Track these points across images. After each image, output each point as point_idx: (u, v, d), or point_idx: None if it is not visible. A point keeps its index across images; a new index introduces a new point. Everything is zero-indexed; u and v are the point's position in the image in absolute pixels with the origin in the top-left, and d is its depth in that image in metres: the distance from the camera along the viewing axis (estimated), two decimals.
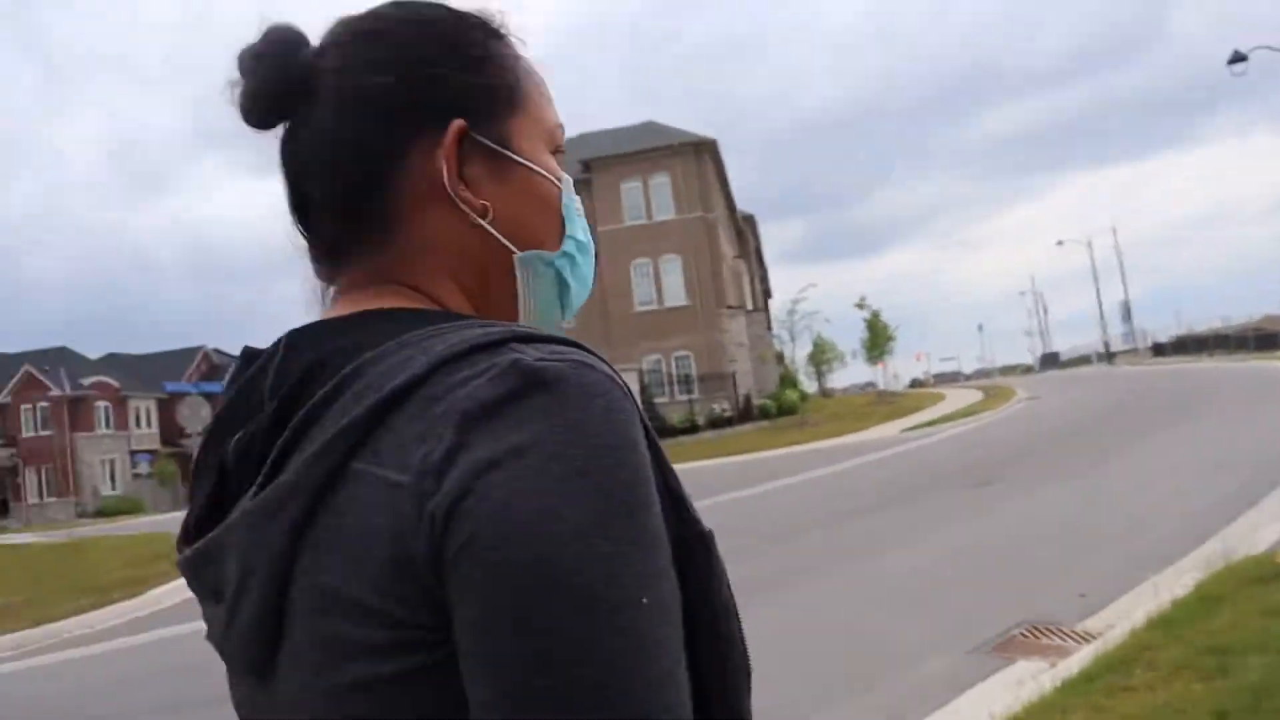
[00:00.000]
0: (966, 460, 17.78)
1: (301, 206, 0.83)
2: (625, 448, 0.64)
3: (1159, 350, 71.02)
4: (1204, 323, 70.34)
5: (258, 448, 0.72)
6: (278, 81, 0.79)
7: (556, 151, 0.86)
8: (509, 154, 0.81)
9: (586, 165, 44.65)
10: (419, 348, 0.68)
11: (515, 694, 0.59)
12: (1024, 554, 8.74)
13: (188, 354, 76.63)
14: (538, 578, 0.59)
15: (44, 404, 62.93)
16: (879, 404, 44.52)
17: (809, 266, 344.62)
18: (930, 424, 28.97)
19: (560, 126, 0.87)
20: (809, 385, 76.28)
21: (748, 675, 0.72)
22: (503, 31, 0.85)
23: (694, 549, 0.69)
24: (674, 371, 42.15)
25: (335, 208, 0.80)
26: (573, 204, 0.85)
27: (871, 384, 70.20)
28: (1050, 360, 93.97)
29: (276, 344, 0.77)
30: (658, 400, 39.39)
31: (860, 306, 65.55)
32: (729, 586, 0.71)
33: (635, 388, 35.70)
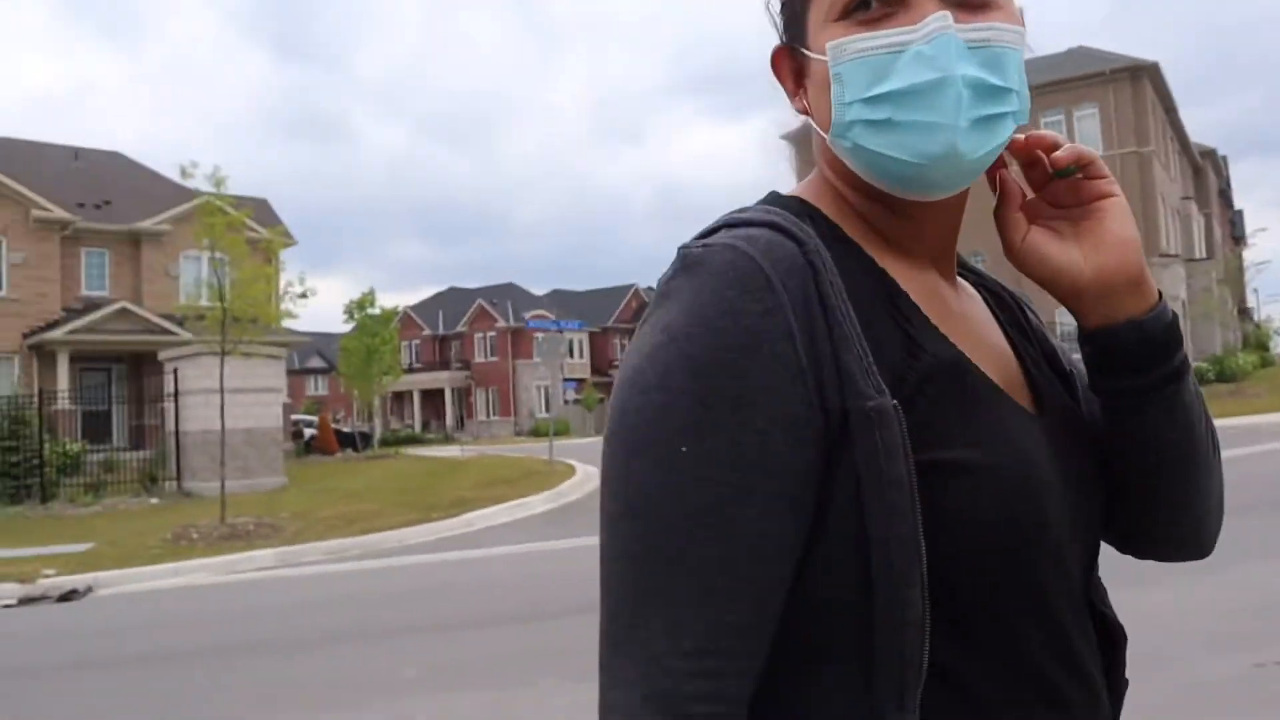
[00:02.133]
0: None
1: None
2: (721, 320, 0.73)
3: None
4: None
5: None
6: None
7: (847, 10, 0.82)
8: (801, 50, 0.87)
9: None
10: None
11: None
12: None
13: (620, 291, 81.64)
14: (612, 418, 0.77)
15: (492, 334, 70.06)
16: None
17: None
18: None
19: None
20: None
21: (918, 554, 0.72)
22: None
23: (857, 422, 0.73)
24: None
25: None
26: (846, 66, 0.81)
27: None
28: None
29: None
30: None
31: None
32: (905, 462, 0.72)
33: None
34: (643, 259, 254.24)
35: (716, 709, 0.71)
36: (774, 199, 0.89)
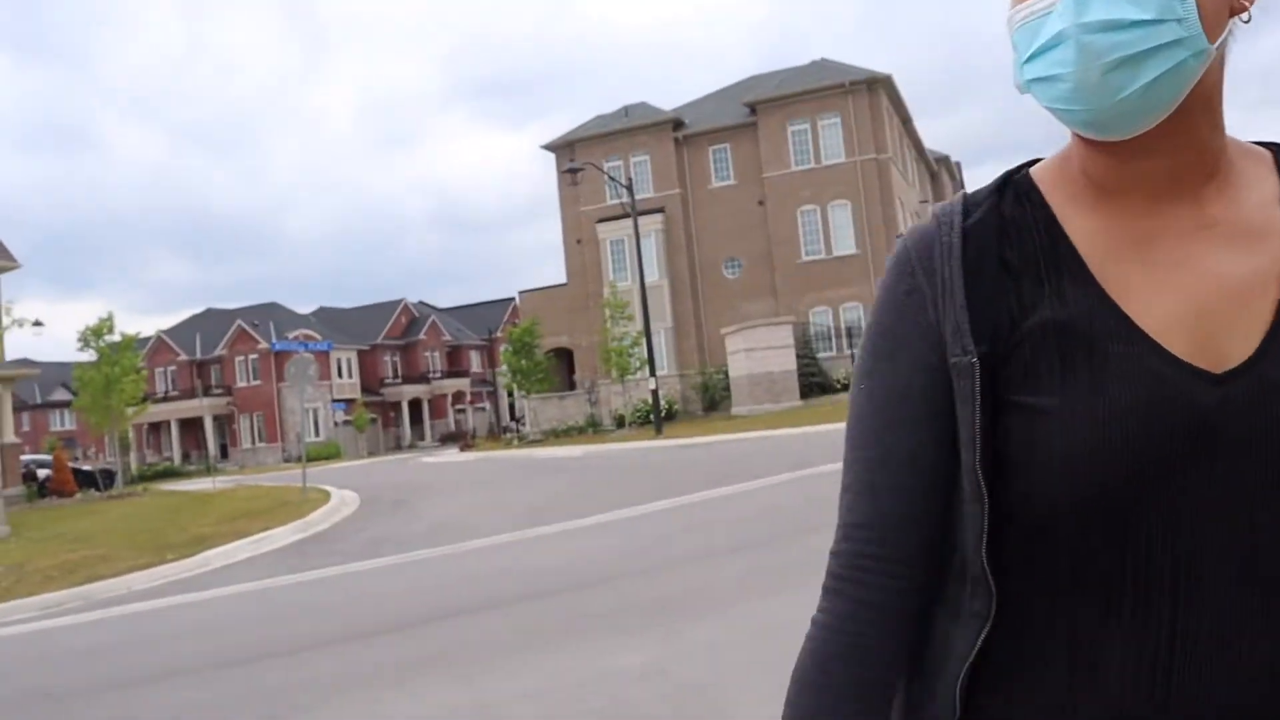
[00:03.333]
0: None
1: None
2: (883, 295, 0.99)
3: None
4: None
5: None
6: None
7: None
8: None
9: (752, 108, 42.52)
10: None
11: None
12: None
13: (389, 307, 79.65)
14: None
15: (254, 357, 66.73)
16: None
17: None
18: None
19: None
20: None
21: (977, 480, 0.90)
22: None
23: (955, 374, 0.91)
24: (843, 324, 39.69)
25: None
26: (1014, 33, 0.88)
27: None
28: None
29: None
30: (822, 355, 37.16)
31: None
32: (973, 404, 0.89)
33: (792, 342, 34.11)
34: (416, 272, 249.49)
35: (847, 565, 0.97)
36: (1030, 162, 1.02)
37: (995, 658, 0.91)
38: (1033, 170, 0.99)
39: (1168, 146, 0.88)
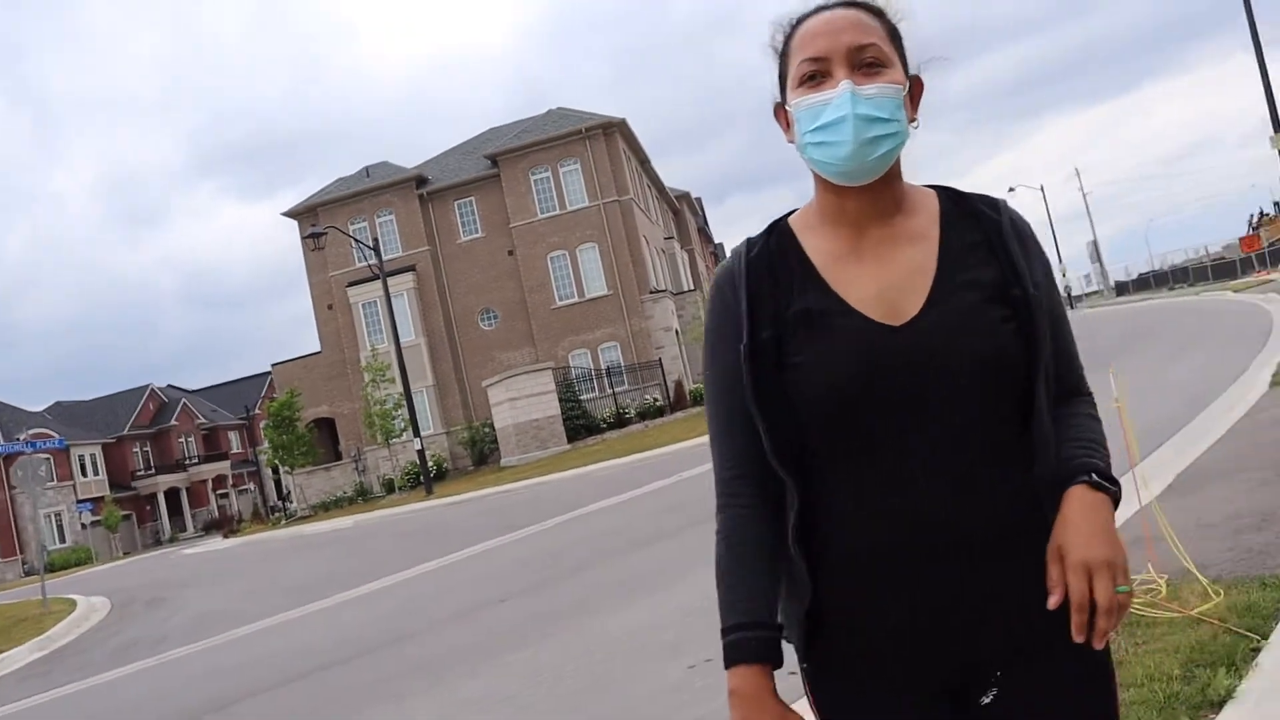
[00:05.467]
0: None
1: None
2: (712, 301, 1.57)
3: (1121, 289, 70.27)
4: (1179, 256, 68.95)
5: None
6: None
7: (803, 80, 1.49)
8: (785, 106, 1.53)
9: (493, 160, 42.92)
10: None
11: None
12: None
13: (134, 394, 74.63)
14: None
15: None
16: None
17: None
18: None
19: (804, 60, 1.48)
20: None
21: (763, 415, 1.48)
22: (794, 23, 1.54)
23: (744, 353, 1.49)
24: (602, 364, 40.44)
25: None
26: (798, 113, 1.48)
27: None
28: None
29: None
30: (585, 397, 37.66)
31: None
32: (754, 367, 1.48)
33: (554, 387, 34.41)
34: (167, 355, 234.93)
35: (725, 488, 1.55)
36: (789, 213, 1.62)
37: (813, 507, 1.47)
38: (790, 218, 1.59)
39: (875, 189, 1.48)
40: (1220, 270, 50.62)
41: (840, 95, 1.42)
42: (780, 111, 1.54)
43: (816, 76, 1.45)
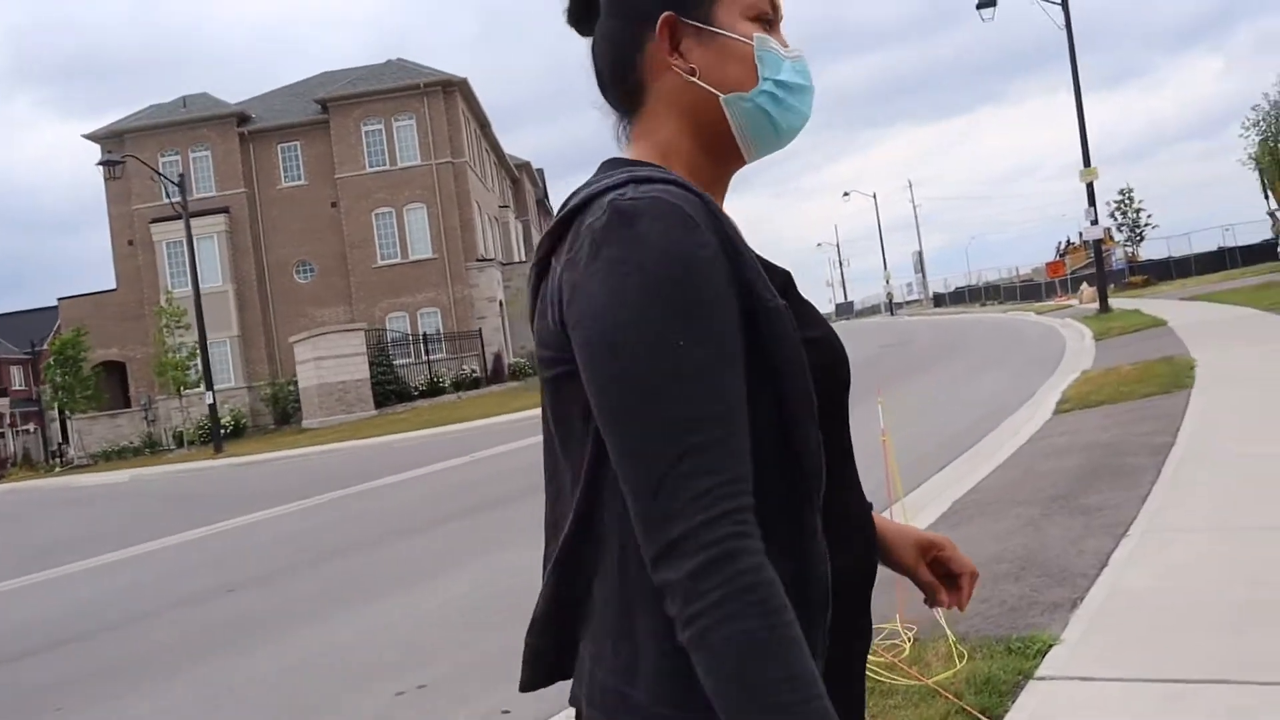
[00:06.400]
0: None
1: (597, 84, 1.23)
2: (677, 251, 0.98)
3: (938, 301, 74.10)
4: (995, 274, 72.68)
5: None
6: (576, 4, 1.23)
7: (759, 17, 1.17)
8: (706, 27, 1.15)
9: (323, 105, 40.80)
10: (595, 185, 1.06)
11: (600, 414, 0.99)
12: None
13: None
14: (601, 345, 0.98)
15: None
16: None
17: None
18: None
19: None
20: None
21: (811, 400, 1.05)
22: None
23: (763, 316, 1.02)
24: (420, 330, 39.07)
25: (608, 84, 1.21)
26: (768, 54, 1.16)
27: None
28: (844, 310, 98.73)
29: None
30: (399, 363, 36.28)
31: None
32: (796, 348, 1.04)
33: (364, 350, 32.99)
34: None
35: (744, 519, 0.98)
36: (624, 163, 1.13)
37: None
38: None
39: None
40: (1027, 291, 53.45)
41: (805, 58, 1.21)
42: (673, 27, 1.15)
43: (768, 25, 1.18)
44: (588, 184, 1.08)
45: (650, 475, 0.95)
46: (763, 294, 1.02)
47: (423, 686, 5.08)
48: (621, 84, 1.18)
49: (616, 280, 0.97)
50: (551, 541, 1.13)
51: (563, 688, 1.17)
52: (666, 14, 1.13)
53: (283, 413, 37.40)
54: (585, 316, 0.98)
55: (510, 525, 9.44)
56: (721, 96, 1.14)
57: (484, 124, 47.39)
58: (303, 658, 6.06)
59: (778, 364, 1.02)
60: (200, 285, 31.62)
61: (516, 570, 7.49)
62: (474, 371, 36.99)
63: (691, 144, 1.16)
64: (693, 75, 1.14)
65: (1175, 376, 10.86)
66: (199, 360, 31.76)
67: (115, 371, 42.04)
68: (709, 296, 0.98)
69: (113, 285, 42.24)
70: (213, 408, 30.23)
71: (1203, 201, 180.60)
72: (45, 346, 65.13)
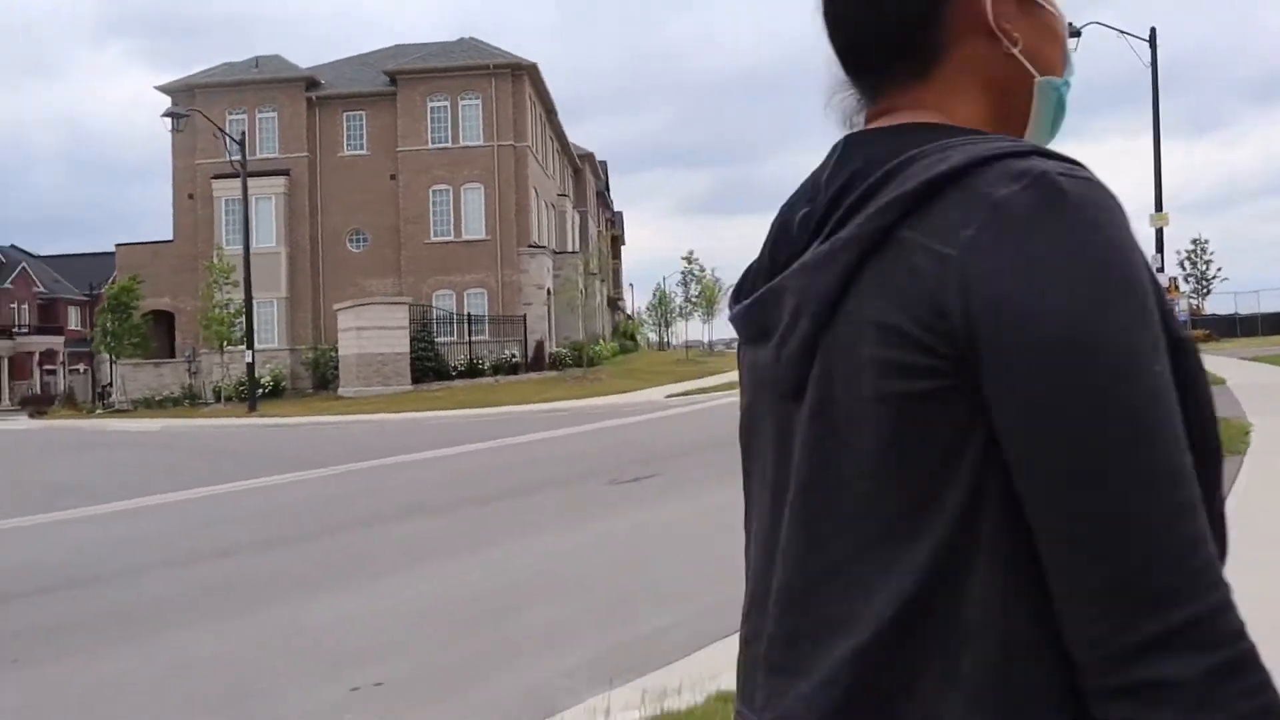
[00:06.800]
0: (686, 439, 15.61)
1: (842, 41, 0.95)
2: (1131, 249, 0.76)
3: None
4: None
5: (815, 222, 0.87)
6: None
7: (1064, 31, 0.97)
8: (1046, 4, 0.94)
9: (392, 78, 40.85)
10: (957, 148, 0.81)
11: (1047, 446, 0.73)
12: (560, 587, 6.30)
13: None
14: (1068, 355, 0.72)
15: None
16: (685, 363, 42.43)
17: (714, 218, 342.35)
18: (702, 391, 26.86)
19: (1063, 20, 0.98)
20: (654, 336, 75.36)
21: (1217, 455, 0.81)
22: None
23: (1180, 351, 0.79)
24: (466, 310, 38.95)
25: (892, 38, 0.91)
26: (1072, 58, 0.99)
27: (703, 342, 68.45)
28: None
29: (835, 147, 0.92)
30: (441, 340, 36.17)
31: (688, 261, 63.61)
32: (1208, 392, 0.82)
33: (407, 324, 32.95)
34: (30, 216, 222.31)
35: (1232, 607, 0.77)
36: (950, 131, 0.88)
37: None
38: None
39: None
40: None
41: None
42: (1033, 8, 0.94)
43: None
44: (926, 150, 0.82)
45: (1141, 536, 0.72)
46: (1174, 320, 0.80)
47: (379, 684, 4.79)
48: (909, 42, 0.92)
49: (1080, 272, 0.74)
50: (798, 617, 0.86)
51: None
52: None
53: (322, 378, 37.48)
54: (1034, 313, 0.73)
55: (517, 518, 9.17)
56: (1038, 80, 0.94)
57: (550, 110, 47.24)
58: (269, 637, 5.80)
59: (1190, 414, 0.77)
60: (253, 245, 31.77)
61: (510, 568, 7.20)
62: (514, 356, 36.80)
63: (982, 124, 0.93)
64: (1015, 46, 0.92)
65: (1228, 441, 10.29)
66: (244, 319, 31.87)
67: (164, 321, 42.46)
68: (1156, 314, 0.77)
69: (170, 236, 42.65)
70: (250, 367, 30.36)
71: (1277, 260, 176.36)
72: (103, 291, 66.28)
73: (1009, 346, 0.74)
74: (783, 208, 0.96)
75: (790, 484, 0.87)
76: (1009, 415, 0.74)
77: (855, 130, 0.93)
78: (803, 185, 0.95)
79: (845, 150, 0.90)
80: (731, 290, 0.99)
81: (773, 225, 0.96)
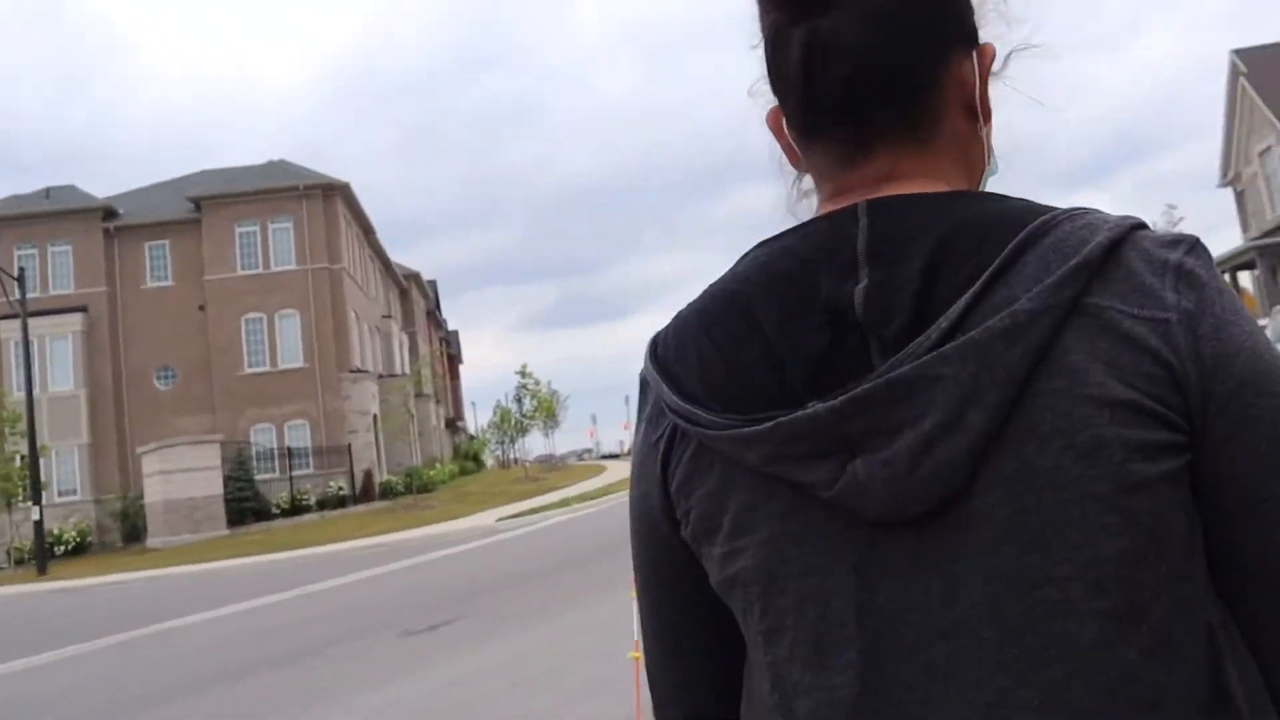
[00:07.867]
0: (502, 571, 14.40)
1: (813, 97, 0.83)
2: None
3: None
4: None
5: (912, 296, 0.74)
6: None
7: None
8: (998, 75, 0.89)
9: (197, 204, 39.03)
10: (1081, 215, 0.76)
11: None
12: None
13: None
14: None
15: None
16: (525, 480, 41.07)
17: (558, 330, 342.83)
18: (534, 511, 25.68)
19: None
20: (497, 454, 73.43)
21: None
22: None
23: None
24: (288, 443, 36.77)
25: (895, 91, 0.82)
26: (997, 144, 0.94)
27: (549, 456, 67.10)
28: None
29: (850, 212, 0.81)
30: (261, 478, 33.87)
31: (523, 375, 62.43)
32: None
33: (219, 463, 30.67)
34: None
35: None
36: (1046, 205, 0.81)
37: None
38: None
39: None
40: None
41: None
42: (982, 75, 0.87)
43: None
44: (1051, 221, 0.75)
45: None
46: None
47: None
48: (915, 96, 0.83)
49: (1263, 338, 0.74)
50: None
51: None
52: (993, 45, 0.88)
53: (132, 528, 34.50)
54: (1264, 362, 0.72)
55: (290, 691, 7.81)
56: (988, 167, 0.90)
57: (368, 230, 46.04)
58: None
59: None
60: (48, 387, 29.25)
61: None
62: (341, 489, 34.79)
63: None
64: (988, 125, 0.88)
65: None
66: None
67: None
68: None
69: None
70: (38, 525, 27.54)
71: None
72: None
73: (1248, 396, 0.70)
74: (758, 283, 0.80)
75: (943, 633, 0.71)
76: (1242, 463, 0.71)
77: (881, 196, 0.81)
78: (795, 257, 0.81)
79: (883, 217, 0.79)
80: (695, 394, 0.79)
81: (756, 305, 0.80)
